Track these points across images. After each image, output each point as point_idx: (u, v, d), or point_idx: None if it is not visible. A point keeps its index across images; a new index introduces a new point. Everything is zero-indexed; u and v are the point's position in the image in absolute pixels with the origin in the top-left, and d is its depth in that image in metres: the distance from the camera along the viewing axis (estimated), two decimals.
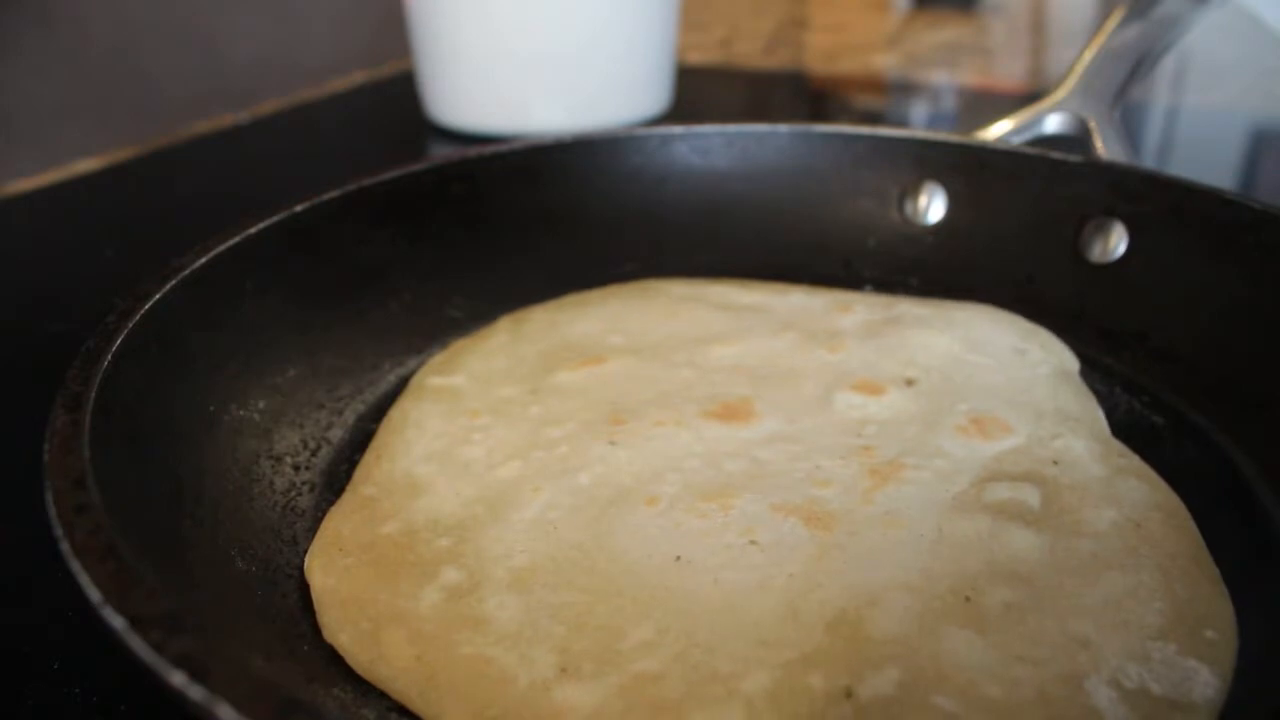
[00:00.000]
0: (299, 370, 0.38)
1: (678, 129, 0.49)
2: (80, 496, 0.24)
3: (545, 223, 0.47)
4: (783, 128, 0.49)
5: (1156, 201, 0.42)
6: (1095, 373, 0.41)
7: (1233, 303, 0.39)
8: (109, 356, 0.30)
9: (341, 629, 0.29)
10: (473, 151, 0.46)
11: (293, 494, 0.34)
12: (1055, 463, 0.35)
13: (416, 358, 0.42)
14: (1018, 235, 0.46)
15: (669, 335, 0.42)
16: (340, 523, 0.33)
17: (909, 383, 0.39)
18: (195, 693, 0.19)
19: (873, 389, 0.39)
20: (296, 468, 0.35)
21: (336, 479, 0.36)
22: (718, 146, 0.49)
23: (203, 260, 0.36)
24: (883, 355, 0.41)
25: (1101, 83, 0.50)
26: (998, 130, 0.50)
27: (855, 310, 0.44)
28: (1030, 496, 0.33)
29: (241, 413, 0.35)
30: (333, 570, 0.31)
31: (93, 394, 0.28)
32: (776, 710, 0.26)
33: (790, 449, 0.35)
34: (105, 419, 0.28)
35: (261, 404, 0.36)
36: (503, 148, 0.46)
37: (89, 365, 0.29)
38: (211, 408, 0.34)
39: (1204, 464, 0.36)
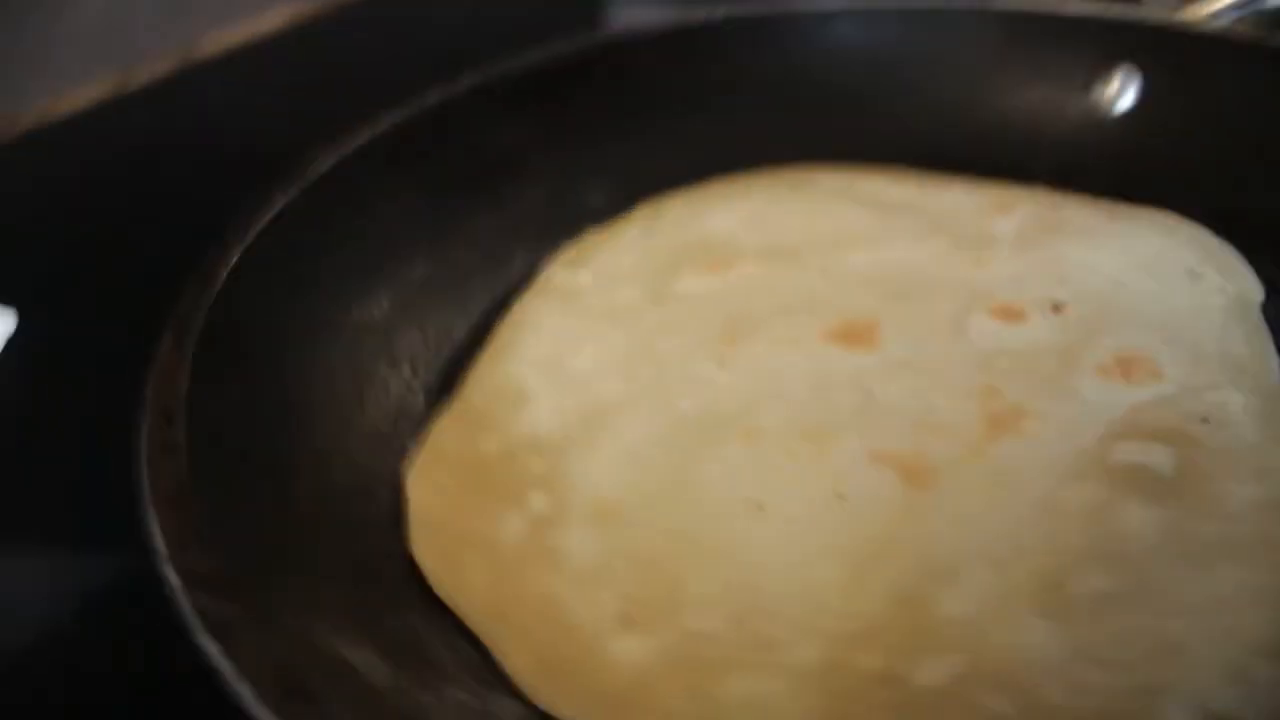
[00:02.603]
0: (427, 267, 0.38)
1: (837, 5, 0.45)
2: (168, 434, 0.26)
3: (694, 105, 0.45)
4: (957, 5, 0.44)
5: None
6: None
7: None
8: (223, 275, 0.31)
9: (428, 548, 0.30)
10: (617, 32, 0.43)
11: (408, 397, 0.35)
12: (1204, 420, 0.32)
13: (552, 249, 0.41)
14: (1223, 135, 0.40)
15: (807, 235, 0.40)
16: (444, 434, 0.34)
17: (1056, 307, 0.36)
18: (222, 665, 0.21)
19: (1013, 314, 0.35)
20: (415, 369, 0.36)
21: (454, 381, 0.36)
22: (883, 25, 0.45)
23: (328, 165, 0.36)
24: (1034, 271, 0.37)
25: None
26: (1211, 4, 0.42)
27: (1016, 212, 0.40)
28: (1163, 461, 0.30)
29: (361, 315, 0.36)
30: (429, 485, 0.32)
31: (202, 316, 0.30)
32: (820, 688, 0.25)
33: (909, 382, 0.33)
34: (213, 343, 0.29)
35: (385, 304, 0.37)
36: (650, 27, 0.44)
37: (201, 286, 0.31)
38: (331, 314, 0.35)
39: None
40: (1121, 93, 0.43)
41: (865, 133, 0.45)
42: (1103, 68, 0.43)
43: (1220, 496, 0.29)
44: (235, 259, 0.32)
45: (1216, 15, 0.43)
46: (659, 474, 0.31)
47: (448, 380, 0.36)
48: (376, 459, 0.33)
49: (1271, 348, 0.35)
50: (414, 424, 0.35)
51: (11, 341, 0.42)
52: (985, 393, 0.33)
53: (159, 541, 0.23)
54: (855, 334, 0.35)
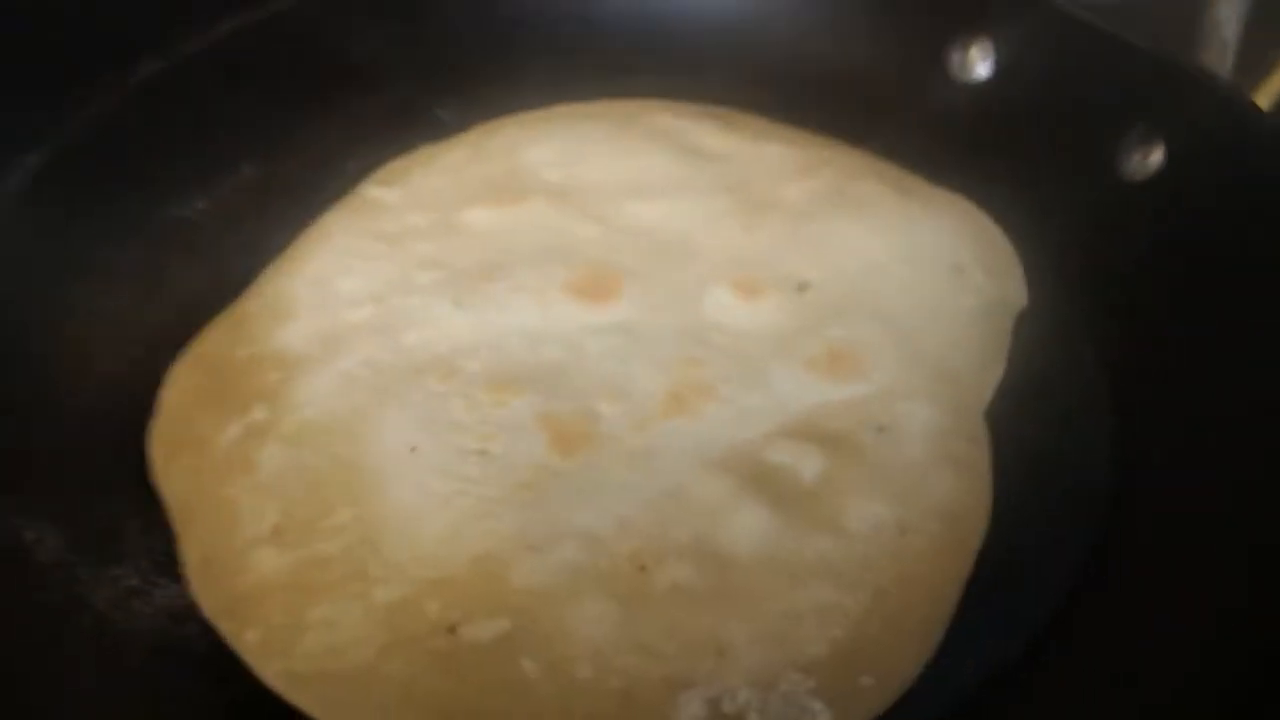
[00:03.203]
0: (254, 171, 0.42)
1: None
2: None
3: (562, 23, 0.45)
4: None
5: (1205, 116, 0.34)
6: (1045, 317, 0.36)
7: None
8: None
9: (157, 440, 0.35)
10: None
11: (202, 297, 0.39)
12: (880, 429, 0.33)
13: (384, 162, 0.44)
14: (1060, 123, 0.38)
15: (606, 177, 0.41)
16: (211, 338, 0.37)
17: (801, 287, 0.36)
18: None
19: (751, 290, 0.36)
20: (215, 271, 0.40)
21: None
22: None
23: (157, 67, 0.39)
24: (795, 245, 0.38)
25: None
26: None
27: (818, 177, 0.40)
28: (810, 467, 0.32)
29: (174, 212, 0.40)
30: (183, 384, 0.36)
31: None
32: (388, 624, 0.29)
33: (619, 346, 0.35)
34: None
35: (200, 204, 0.40)
36: None
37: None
38: (142, 209, 0.39)
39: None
40: (977, 61, 0.41)
41: (726, 70, 0.45)
42: (959, 36, 0.41)
43: (844, 513, 0.31)
44: (42, 159, 0.36)
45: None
46: (354, 403, 0.34)
47: (244, 285, 0.40)
48: (148, 352, 0.37)
49: (1001, 362, 0.35)
50: (198, 323, 0.38)
51: None
52: (684, 367, 0.34)
53: None
54: (596, 289, 0.37)
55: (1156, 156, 0.36)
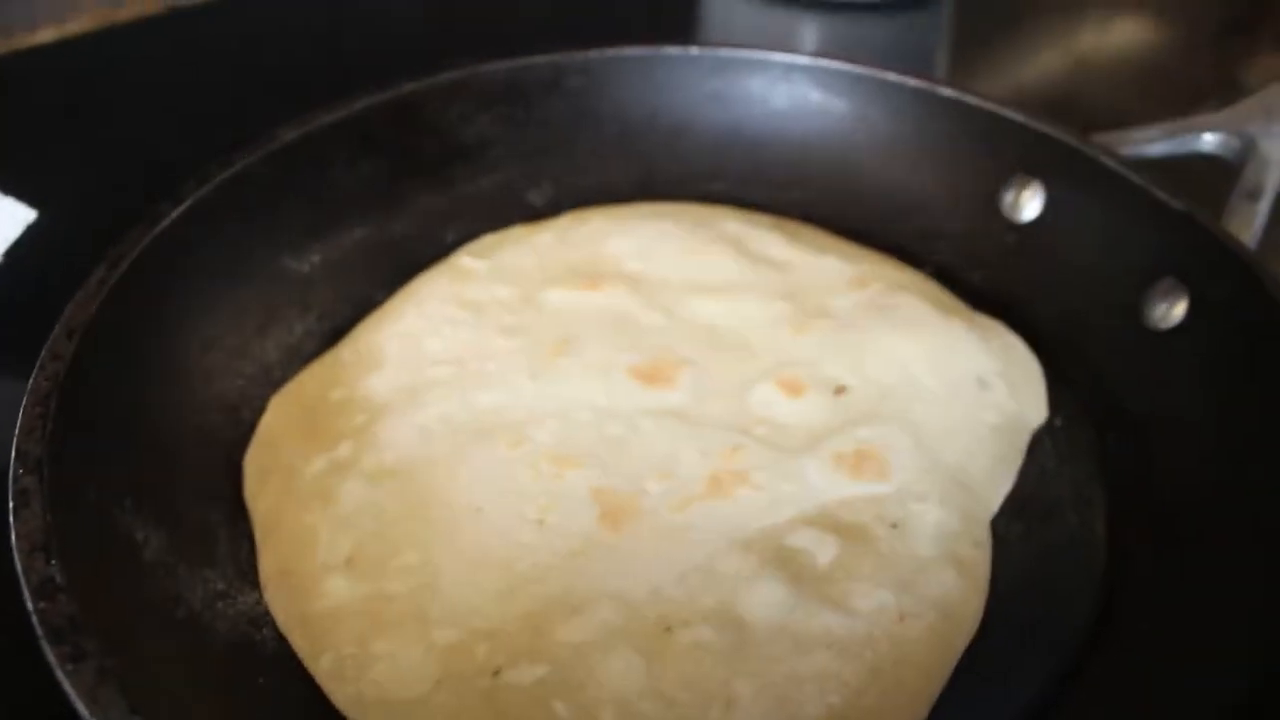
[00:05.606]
0: (365, 233, 0.47)
1: (803, 60, 0.48)
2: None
3: (649, 128, 0.50)
4: (910, 81, 0.47)
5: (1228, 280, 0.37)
6: (1058, 438, 0.39)
7: None
8: (169, 218, 0.40)
9: (252, 462, 0.39)
10: (595, 52, 0.49)
11: (305, 341, 0.44)
12: (894, 526, 0.36)
13: (479, 235, 0.48)
14: (1096, 267, 0.42)
15: (679, 273, 0.45)
16: (310, 377, 0.42)
17: (838, 390, 0.40)
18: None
19: (794, 388, 0.40)
20: (321, 318, 0.44)
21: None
22: (841, 85, 0.48)
23: (294, 135, 0.45)
24: (838, 351, 0.41)
25: None
26: (1140, 136, 0.43)
27: (867, 289, 0.44)
28: (825, 553, 0.35)
29: (290, 265, 0.45)
30: (281, 414, 0.41)
31: (138, 251, 0.39)
32: (442, 662, 0.33)
33: (674, 429, 0.39)
34: (143, 271, 0.38)
35: (316, 259, 0.45)
36: (626, 51, 0.49)
37: (148, 226, 0.40)
38: (261, 259, 0.44)
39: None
40: (1026, 201, 0.45)
41: (793, 183, 0.49)
42: (1014, 178, 0.45)
43: (857, 594, 0.34)
44: (183, 208, 0.41)
45: (1148, 145, 0.44)
46: (431, 454, 0.38)
47: (345, 333, 0.45)
48: (255, 385, 0.42)
49: (1012, 476, 0.38)
50: (300, 363, 0.43)
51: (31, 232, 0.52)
52: (729, 454, 0.38)
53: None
54: (657, 374, 0.41)
55: (1180, 309, 0.39)
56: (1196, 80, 0.66)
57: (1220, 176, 0.42)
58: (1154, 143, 0.43)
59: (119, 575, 0.33)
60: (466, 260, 0.46)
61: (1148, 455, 0.37)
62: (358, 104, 0.46)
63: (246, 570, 0.36)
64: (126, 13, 0.70)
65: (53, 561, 0.29)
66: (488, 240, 0.48)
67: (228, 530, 0.37)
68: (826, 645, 0.33)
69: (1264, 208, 0.40)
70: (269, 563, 0.36)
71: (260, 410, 0.41)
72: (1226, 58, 0.69)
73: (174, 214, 0.41)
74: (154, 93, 0.64)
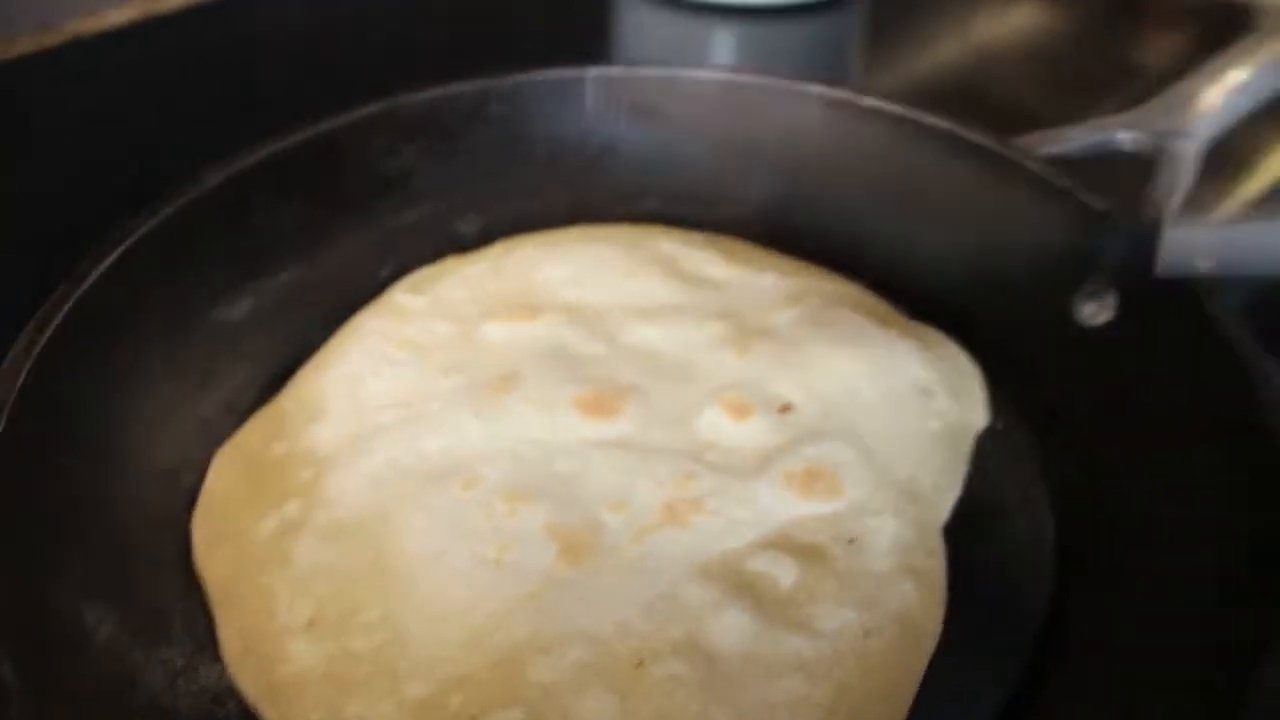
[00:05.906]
0: (295, 275, 0.46)
1: (720, 75, 0.49)
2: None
3: (576, 150, 0.50)
4: (831, 92, 0.47)
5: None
6: (1000, 443, 0.40)
7: None
8: (93, 275, 0.39)
9: (199, 526, 0.38)
10: (521, 75, 0.48)
11: (244, 392, 0.43)
12: (850, 541, 0.37)
13: (413, 269, 0.48)
14: (1027, 270, 0.43)
15: (615, 298, 0.45)
16: (250, 433, 0.41)
17: (783, 409, 0.40)
18: None
19: (740, 410, 0.40)
20: (258, 367, 0.44)
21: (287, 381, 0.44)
22: (760, 98, 0.49)
23: (215, 181, 0.43)
24: (780, 369, 0.42)
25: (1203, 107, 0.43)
26: (1058, 136, 0.44)
27: (804, 304, 0.44)
28: (786, 575, 0.36)
29: (221, 315, 0.43)
30: (224, 475, 0.40)
31: (68, 307, 0.38)
32: (415, 716, 0.32)
33: (622, 460, 0.39)
34: (74, 330, 0.37)
35: (246, 306, 0.44)
36: (549, 74, 0.49)
37: (73, 285, 0.38)
38: (191, 313, 0.43)
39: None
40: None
41: (720, 201, 0.50)
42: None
43: (821, 615, 0.35)
44: (105, 266, 0.40)
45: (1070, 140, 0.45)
46: (382, 503, 0.38)
47: (284, 379, 0.44)
48: (194, 445, 0.41)
49: (959, 483, 0.39)
50: (240, 417, 0.42)
51: None
52: (681, 481, 0.38)
53: None
54: (602, 405, 0.41)
55: (1109, 308, 0.40)
56: (1096, 64, 0.67)
57: (1145, 170, 0.43)
58: (1072, 143, 0.44)
59: (72, 668, 0.32)
60: (402, 298, 0.46)
61: (1089, 455, 0.38)
62: (275, 144, 0.45)
63: (205, 643, 0.35)
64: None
65: (3, 665, 0.28)
66: (423, 274, 0.47)
67: (182, 603, 0.36)
68: (796, 668, 0.33)
69: (1177, 202, 0.41)
70: (228, 633, 0.35)
71: (203, 471, 0.40)
72: (1123, 39, 0.71)
73: (94, 274, 0.39)
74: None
